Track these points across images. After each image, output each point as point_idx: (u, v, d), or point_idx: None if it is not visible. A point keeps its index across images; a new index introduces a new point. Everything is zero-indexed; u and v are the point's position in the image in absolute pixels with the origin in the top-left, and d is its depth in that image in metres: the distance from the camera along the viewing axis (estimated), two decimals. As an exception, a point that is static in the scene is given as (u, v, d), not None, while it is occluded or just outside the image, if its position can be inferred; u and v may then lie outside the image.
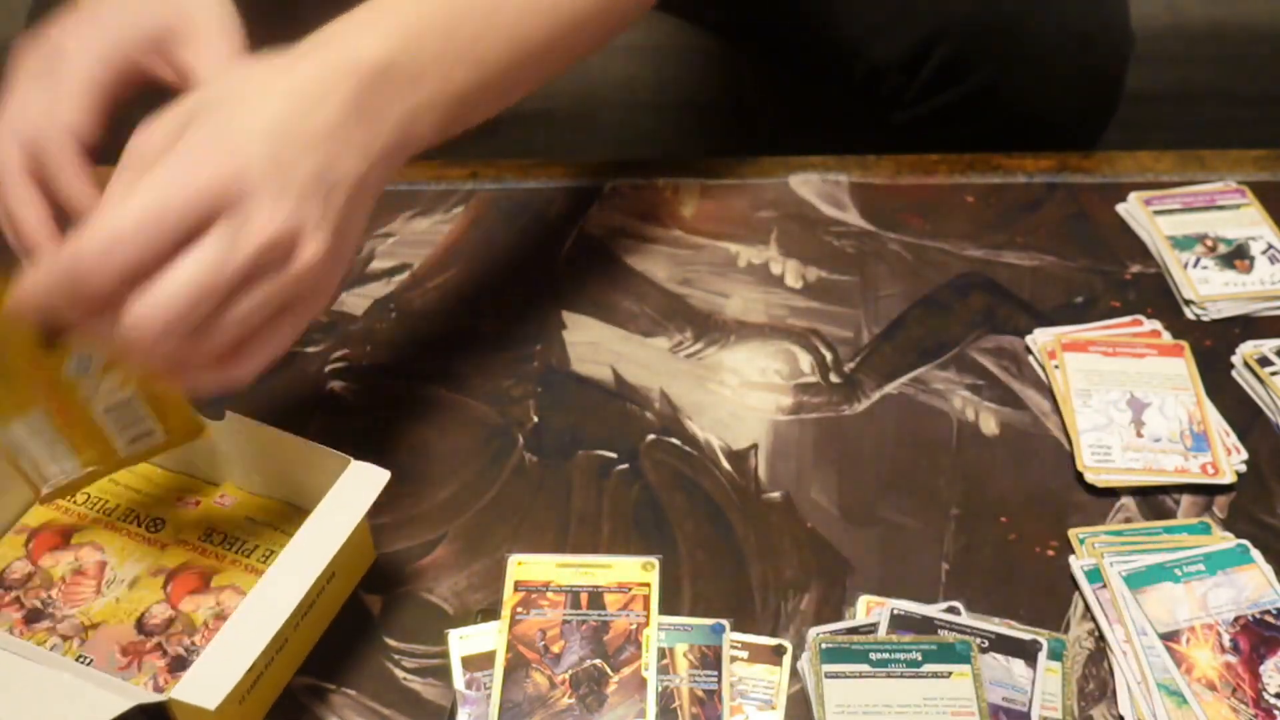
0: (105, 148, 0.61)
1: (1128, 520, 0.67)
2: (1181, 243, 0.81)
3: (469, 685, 0.59)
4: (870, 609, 0.62)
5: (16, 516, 0.66)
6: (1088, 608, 0.63)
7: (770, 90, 1.08)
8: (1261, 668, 0.59)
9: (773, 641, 0.61)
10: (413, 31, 0.59)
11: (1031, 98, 0.91)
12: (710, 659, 0.60)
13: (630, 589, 0.62)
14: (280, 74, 0.55)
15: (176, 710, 0.55)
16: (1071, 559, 0.64)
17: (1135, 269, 0.80)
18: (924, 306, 0.78)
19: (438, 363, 0.76)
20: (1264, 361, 0.73)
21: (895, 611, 0.62)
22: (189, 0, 0.63)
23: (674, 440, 0.71)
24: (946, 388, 0.74)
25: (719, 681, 0.59)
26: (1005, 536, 0.66)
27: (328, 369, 0.76)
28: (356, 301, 0.79)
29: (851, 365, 0.75)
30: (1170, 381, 0.72)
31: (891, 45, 0.92)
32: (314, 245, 0.53)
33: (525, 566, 0.63)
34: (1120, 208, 0.84)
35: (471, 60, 0.62)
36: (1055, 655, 0.60)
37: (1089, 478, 0.68)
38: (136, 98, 0.62)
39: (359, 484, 0.60)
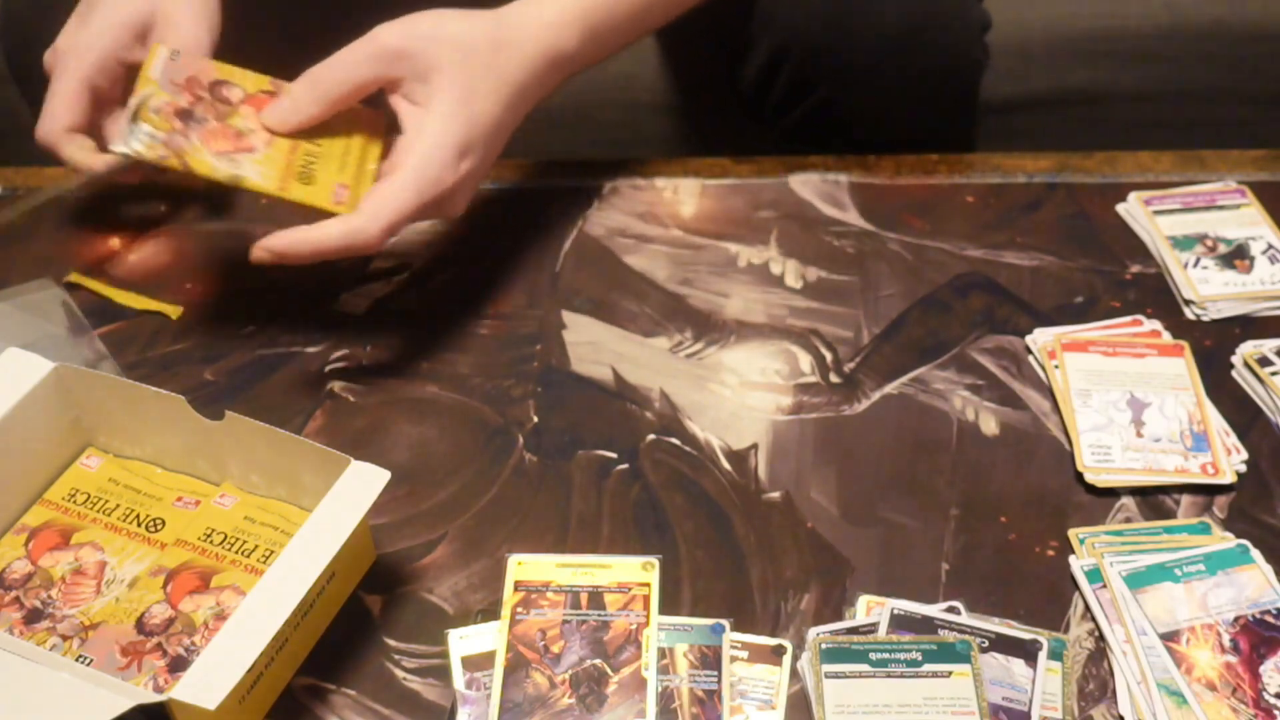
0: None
1: (1128, 520, 0.67)
2: (1181, 243, 0.81)
3: (469, 685, 0.60)
4: (870, 609, 0.62)
5: (16, 516, 0.66)
6: (1088, 608, 0.63)
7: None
8: (1261, 668, 0.59)
9: (773, 641, 0.61)
10: (590, 23, 0.75)
11: (871, 112, 0.90)
12: (710, 659, 0.60)
13: (630, 589, 0.62)
14: (495, 77, 0.72)
15: (176, 710, 0.55)
16: (1071, 559, 0.64)
17: (1135, 269, 0.80)
18: (924, 306, 0.78)
19: (438, 363, 0.76)
20: (1264, 361, 0.73)
21: (895, 611, 0.62)
22: None
23: (674, 440, 0.71)
24: (946, 388, 0.74)
25: (719, 681, 0.59)
26: (1005, 536, 0.66)
27: (328, 369, 0.76)
28: (356, 301, 0.79)
29: (851, 365, 0.75)
30: (1170, 381, 0.72)
31: (750, 63, 0.93)
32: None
33: (525, 566, 0.63)
34: (1120, 208, 0.84)
35: (614, 46, 0.79)
36: (1055, 655, 0.60)
37: (1089, 478, 0.68)
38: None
39: (359, 484, 0.60)
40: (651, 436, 0.71)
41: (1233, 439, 0.70)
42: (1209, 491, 0.68)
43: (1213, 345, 0.75)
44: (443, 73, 0.70)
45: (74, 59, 0.74)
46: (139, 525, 0.66)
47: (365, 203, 0.69)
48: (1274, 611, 0.61)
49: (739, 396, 0.74)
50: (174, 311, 0.78)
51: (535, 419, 0.73)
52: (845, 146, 0.90)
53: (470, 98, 0.70)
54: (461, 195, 0.72)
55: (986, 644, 0.60)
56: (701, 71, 1.07)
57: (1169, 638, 0.60)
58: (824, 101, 0.90)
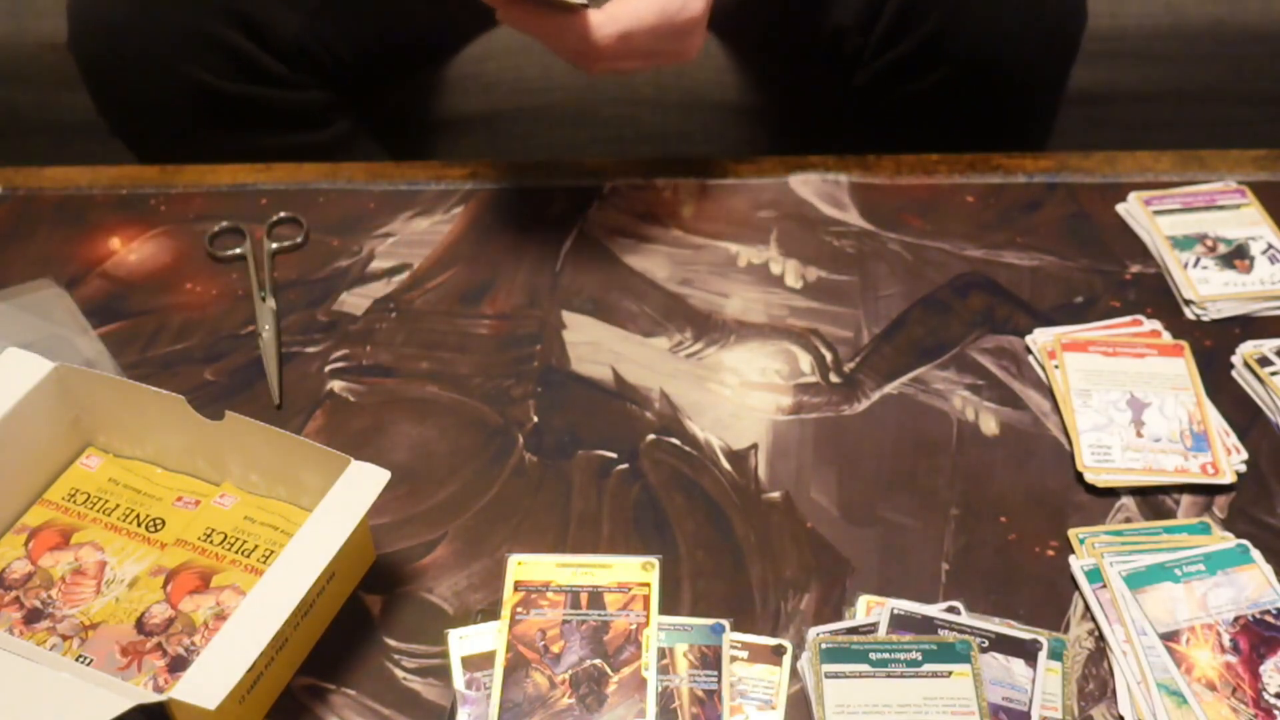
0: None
1: (1128, 520, 0.67)
2: (1181, 243, 0.81)
3: (469, 685, 0.60)
4: (870, 609, 0.62)
5: (16, 516, 0.66)
6: (1088, 608, 0.63)
7: (770, 89, 1.08)
8: (1261, 668, 0.59)
9: (773, 641, 0.61)
10: None
11: (984, 40, 0.90)
12: (710, 659, 0.60)
13: (630, 589, 0.62)
14: None
15: (176, 710, 0.55)
16: (1071, 559, 0.64)
17: (1135, 269, 0.80)
18: (924, 306, 0.78)
19: (438, 363, 0.76)
20: (1264, 361, 0.73)
21: (895, 611, 0.62)
22: None
23: (674, 440, 0.71)
24: (946, 388, 0.74)
25: (719, 681, 0.59)
26: (1005, 536, 0.66)
27: (328, 369, 0.76)
28: (356, 301, 0.79)
29: (851, 365, 0.75)
30: (1170, 381, 0.72)
31: (848, 4, 0.92)
32: None
33: (525, 566, 0.63)
34: (1120, 208, 0.84)
35: None
36: (1055, 655, 0.60)
37: (1089, 478, 0.68)
38: None
39: (359, 484, 0.60)
40: (651, 436, 0.71)
41: (1233, 439, 0.70)
42: (1209, 491, 0.68)
43: (1213, 345, 0.75)
44: None
45: None
46: (139, 525, 0.66)
47: (607, 5, 0.69)
48: (1274, 611, 0.61)
49: (739, 396, 0.74)
50: None
51: (535, 419, 0.73)
52: (936, 92, 0.91)
53: None
54: (700, 33, 0.72)
55: (986, 644, 0.60)
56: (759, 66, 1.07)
57: (1169, 638, 0.60)
58: (931, 35, 0.90)
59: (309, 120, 0.98)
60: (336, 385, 0.75)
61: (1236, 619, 0.61)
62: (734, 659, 0.60)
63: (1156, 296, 0.78)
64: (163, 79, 0.92)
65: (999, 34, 0.90)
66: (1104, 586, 0.63)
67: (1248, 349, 0.74)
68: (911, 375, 0.74)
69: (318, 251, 0.83)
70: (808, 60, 1.02)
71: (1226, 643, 0.60)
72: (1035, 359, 0.75)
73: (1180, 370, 0.73)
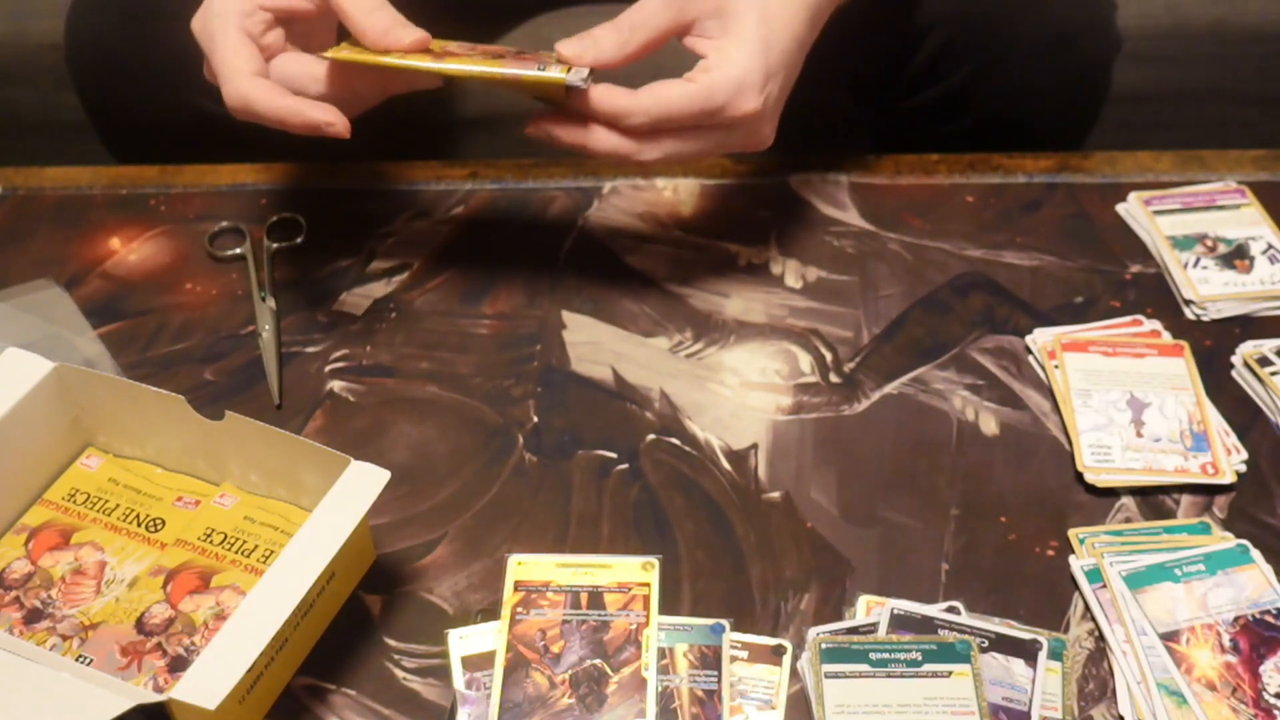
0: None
1: (1128, 520, 0.67)
2: (1181, 243, 0.81)
3: (469, 685, 0.60)
4: (870, 609, 0.63)
5: (16, 516, 0.66)
6: (1088, 608, 0.63)
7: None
8: (1261, 668, 0.59)
9: (773, 641, 0.61)
10: None
11: (1010, 97, 0.91)
12: (710, 659, 0.60)
13: (630, 589, 0.62)
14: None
15: (176, 710, 0.55)
16: (1071, 559, 0.64)
17: (1135, 269, 0.80)
18: (924, 306, 0.78)
19: (438, 363, 0.76)
20: (1264, 361, 0.73)
21: (895, 611, 0.62)
22: None
23: (674, 440, 0.71)
24: (946, 388, 0.74)
25: (719, 681, 0.59)
26: (1005, 536, 0.66)
27: (328, 369, 0.76)
28: (356, 301, 0.79)
29: (851, 365, 0.75)
30: (1170, 381, 0.72)
31: (879, 41, 0.93)
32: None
33: (525, 566, 0.63)
34: (1120, 208, 0.84)
35: None
36: (1055, 655, 0.60)
37: (1089, 478, 0.68)
38: None
39: (359, 484, 0.60)
40: (651, 436, 0.71)
41: (1233, 439, 0.70)
42: (1209, 491, 0.68)
43: (1213, 345, 0.75)
44: (737, 4, 0.69)
45: (220, 18, 0.70)
46: (139, 525, 0.66)
47: (638, 92, 0.67)
48: (1274, 611, 0.61)
49: (739, 396, 0.74)
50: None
51: (535, 419, 0.73)
52: (955, 137, 0.92)
53: (768, 21, 0.69)
54: (769, 123, 0.71)
55: (986, 644, 0.60)
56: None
57: (1169, 638, 0.60)
58: (959, 87, 0.90)
59: (310, 143, 0.97)
60: (336, 385, 0.75)
61: (1236, 619, 0.61)
62: (734, 659, 0.60)
63: (1156, 296, 0.78)
64: (159, 101, 0.92)
65: (1026, 92, 0.91)
66: (1104, 586, 0.63)
67: (1248, 349, 0.74)
68: (911, 375, 0.74)
69: (318, 251, 0.83)
70: (825, 89, 1.02)
71: (1226, 643, 0.60)
72: (1035, 359, 0.75)
73: (1180, 370, 0.73)
